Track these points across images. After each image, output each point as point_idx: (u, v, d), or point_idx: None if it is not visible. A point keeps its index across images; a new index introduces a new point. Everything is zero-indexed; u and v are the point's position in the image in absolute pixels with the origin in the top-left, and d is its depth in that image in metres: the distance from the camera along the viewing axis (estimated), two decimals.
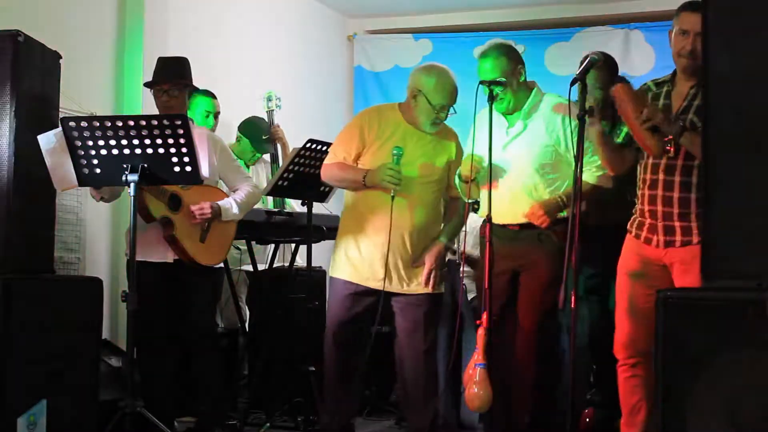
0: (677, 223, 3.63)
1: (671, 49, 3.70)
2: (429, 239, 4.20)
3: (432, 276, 4.15)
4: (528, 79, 4.15)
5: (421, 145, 4.19)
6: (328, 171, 4.28)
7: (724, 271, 3.10)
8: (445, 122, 4.26)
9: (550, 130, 4.04)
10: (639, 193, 3.77)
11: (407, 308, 4.21)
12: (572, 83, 3.51)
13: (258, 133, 5.64)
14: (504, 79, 4.00)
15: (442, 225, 4.27)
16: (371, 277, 4.17)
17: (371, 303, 4.19)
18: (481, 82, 3.96)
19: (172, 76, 4.46)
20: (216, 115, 5.41)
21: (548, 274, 3.95)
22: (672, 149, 3.58)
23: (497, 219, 4.04)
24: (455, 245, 4.67)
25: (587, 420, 4.58)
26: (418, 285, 4.19)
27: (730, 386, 2.98)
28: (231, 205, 4.44)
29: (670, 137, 3.54)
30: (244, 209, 4.50)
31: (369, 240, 4.16)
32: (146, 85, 4.57)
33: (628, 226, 3.83)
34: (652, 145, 3.54)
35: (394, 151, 4.05)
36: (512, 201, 4.05)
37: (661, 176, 3.65)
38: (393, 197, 4.03)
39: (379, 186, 4.07)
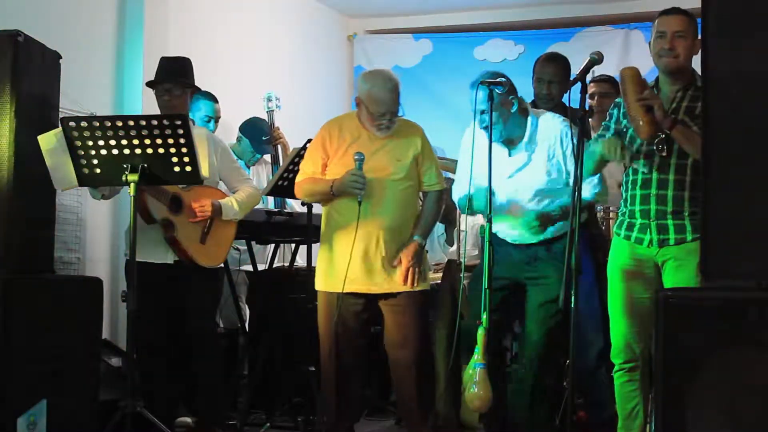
0: (670, 222, 3.63)
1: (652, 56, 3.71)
2: (404, 237, 4.18)
3: (410, 274, 4.13)
4: (521, 97, 4.12)
5: (382, 146, 4.19)
6: (299, 188, 4.32)
7: (724, 271, 3.10)
8: (404, 118, 4.27)
9: (552, 153, 4.04)
10: (627, 194, 3.76)
11: (393, 313, 4.19)
12: (572, 83, 3.52)
13: (259, 134, 5.64)
14: (504, 80, 3.98)
15: (415, 222, 4.25)
16: (348, 282, 4.15)
17: (357, 307, 4.20)
18: (482, 83, 3.94)
19: (175, 75, 4.47)
20: (217, 119, 5.41)
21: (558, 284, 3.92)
22: (665, 149, 3.59)
23: (505, 236, 4.08)
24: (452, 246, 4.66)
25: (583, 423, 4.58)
26: (397, 283, 4.16)
27: (730, 386, 2.98)
28: (232, 203, 4.44)
29: (662, 136, 3.55)
30: (244, 209, 4.51)
31: (343, 247, 4.15)
32: (148, 84, 4.58)
33: (615, 229, 3.83)
34: (645, 124, 3.50)
35: (356, 157, 4.07)
36: (523, 226, 4.05)
37: (654, 175, 3.65)
38: (360, 202, 4.06)
39: (346, 193, 4.11)
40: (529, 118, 4.09)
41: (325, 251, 4.27)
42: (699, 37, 3.59)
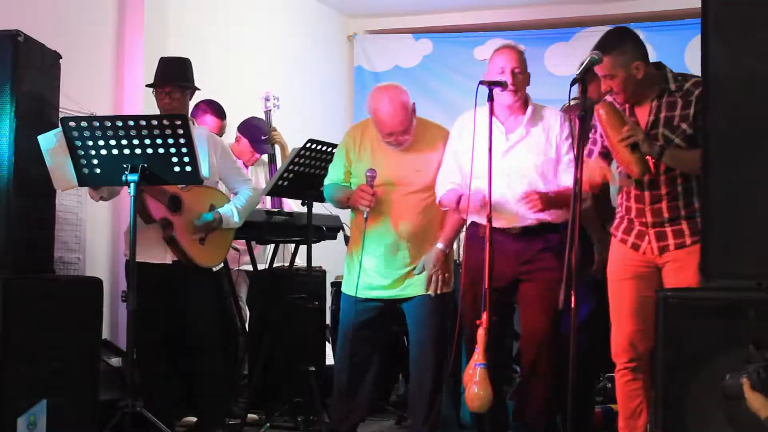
0: (668, 229, 3.64)
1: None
2: (428, 242, 4.20)
3: (433, 281, 4.16)
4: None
5: (402, 156, 4.20)
6: (326, 192, 4.46)
7: (724, 271, 3.10)
8: (430, 122, 4.29)
9: (549, 135, 4.03)
10: (623, 201, 3.77)
11: (413, 311, 4.24)
12: (572, 83, 3.51)
13: (257, 134, 5.63)
14: (504, 80, 3.97)
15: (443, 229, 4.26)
16: (370, 289, 4.23)
17: (376, 311, 4.25)
18: (481, 82, 3.93)
19: (174, 78, 4.47)
20: (220, 136, 5.40)
21: (556, 274, 3.91)
22: (653, 170, 3.58)
23: (500, 224, 4.03)
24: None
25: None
26: (417, 287, 4.21)
27: None
28: (232, 213, 4.45)
29: (649, 158, 3.54)
30: (244, 216, 4.52)
31: (360, 253, 4.23)
32: (148, 85, 4.58)
33: (612, 230, 3.82)
34: (634, 166, 3.52)
35: (367, 173, 4.13)
36: (511, 208, 4.02)
37: (647, 192, 3.66)
38: (365, 218, 4.12)
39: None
40: (531, 103, 4.08)
41: (349, 254, 4.36)
42: (639, 58, 3.57)
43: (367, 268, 4.23)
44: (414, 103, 4.21)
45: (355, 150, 4.29)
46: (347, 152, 4.32)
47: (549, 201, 3.91)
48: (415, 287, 4.22)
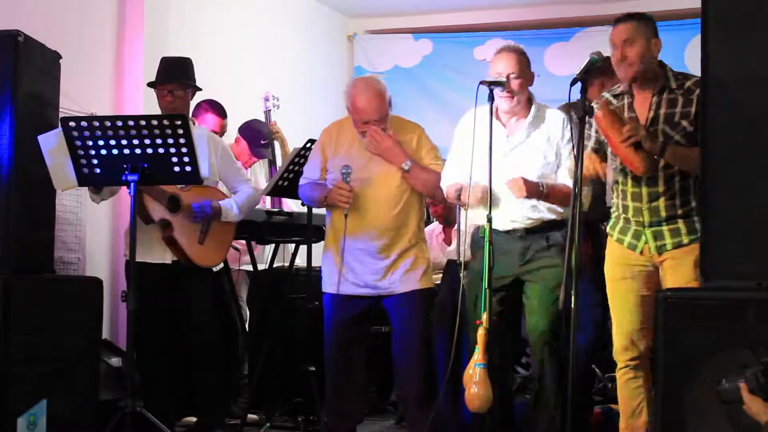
0: (665, 228, 3.64)
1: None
2: (405, 236, 4.21)
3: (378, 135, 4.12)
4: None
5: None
6: (301, 191, 4.41)
7: (723, 271, 3.10)
8: (402, 119, 4.32)
9: (550, 137, 4.02)
10: (619, 201, 3.76)
11: (396, 310, 4.23)
12: (572, 83, 3.51)
13: (257, 138, 5.62)
14: (504, 80, 3.97)
15: None
16: (352, 286, 4.21)
17: (360, 308, 4.24)
18: (481, 82, 3.93)
19: (176, 76, 4.48)
20: (221, 135, 5.40)
21: (558, 275, 3.90)
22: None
23: (499, 226, 4.02)
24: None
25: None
26: (399, 285, 4.20)
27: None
28: (231, 206, 4.45)
29: (654, 156, 3.55)
30: (244, 211, 4.52)
31: (340, 251, 4.21)
32: (150, 84, 4.59)
33: (609, 230, 3.82)
34: (638, 163, 3.53)
35: (342, 170, 4.14)
36: (514, 208, 4.02)
37: (644, 189, 3.66)
38: (346, 215, 4.11)
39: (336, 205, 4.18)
40: (534, 104, 4.07)
41: (327, 254, 4.32)
42: (655, 36, 3.62)
43: (348, 265, 4.20)
44: (391, 96, 4.22)
45: (331, 145, 4.27)
46: (323, 148, 4.30)
47: (536, 190, 3.87)
48: (397, 285, 4.20)
